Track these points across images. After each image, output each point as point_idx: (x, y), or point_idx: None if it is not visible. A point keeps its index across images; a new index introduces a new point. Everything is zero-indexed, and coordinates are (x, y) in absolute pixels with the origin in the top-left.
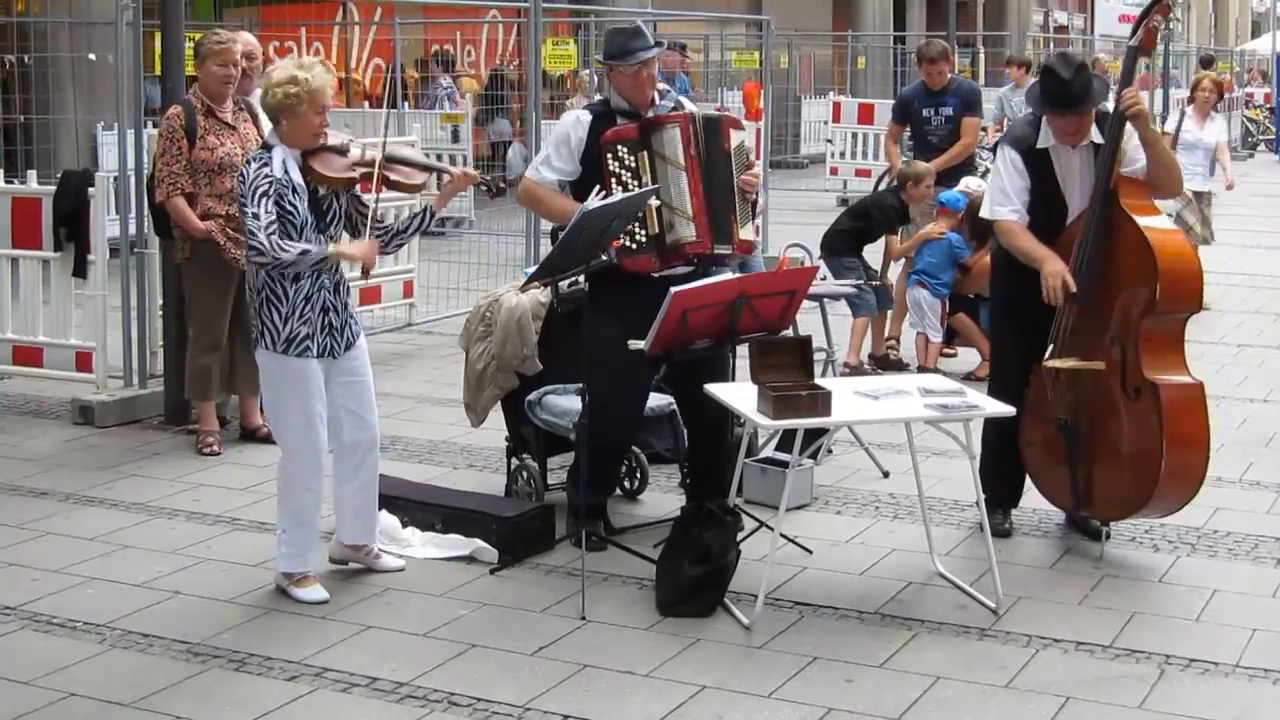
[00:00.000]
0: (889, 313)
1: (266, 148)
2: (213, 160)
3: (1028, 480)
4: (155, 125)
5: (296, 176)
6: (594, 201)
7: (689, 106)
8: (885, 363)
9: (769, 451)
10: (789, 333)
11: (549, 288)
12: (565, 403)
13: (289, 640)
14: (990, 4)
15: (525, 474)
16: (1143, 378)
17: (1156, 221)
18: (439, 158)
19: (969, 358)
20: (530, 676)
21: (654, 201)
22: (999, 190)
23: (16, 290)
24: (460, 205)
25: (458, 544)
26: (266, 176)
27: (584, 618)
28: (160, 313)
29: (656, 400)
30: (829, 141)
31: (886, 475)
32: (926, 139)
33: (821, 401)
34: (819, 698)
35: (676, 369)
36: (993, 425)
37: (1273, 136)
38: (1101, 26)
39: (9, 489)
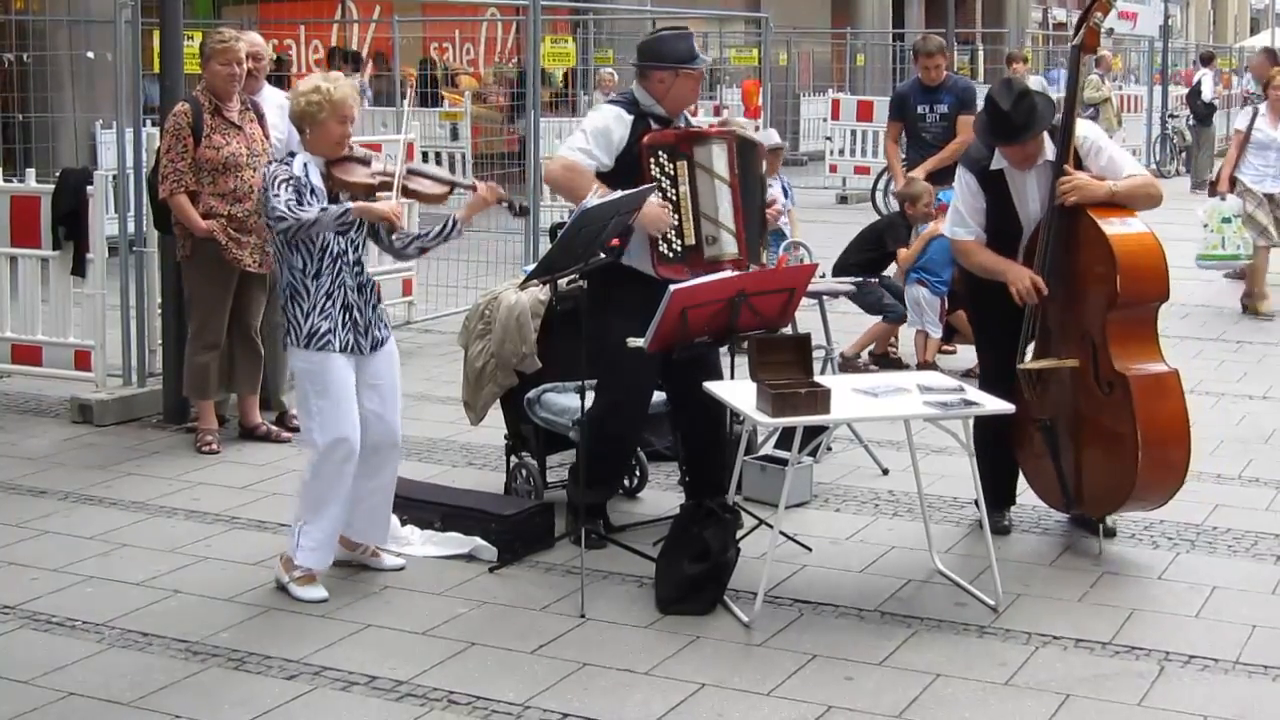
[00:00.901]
0: None
1: (291, 155)
2: (218, 159)
3: (1025, 481)
4: (154, 123)
5: (316, 180)
6: (592, 199)
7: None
8: (884, 362)
9: (768, 449)
10: (788, 330)
11: (548, 286)
12: (564, 400)
13: (288, 639)
14: (989, 1)
15: (524, 472)
16: (1114, 371)
17: (1119, 218)
18: (437, 156)
19: (968, 355)
20: (530, 674)
21: (679, 214)
22: (956, 212)
23: (15, 289)
24: (459, 204)
25: (457, 542)
26: (286, 173)
27: (583, 616)
28: (159, 311)
29: (655, 398)
30: (828, 139)
31: (886, 472)
32: (921, 136)
33: (821, 399)
34: (819, 695)
35: (667, 367)
36: (980, 427)
37: None
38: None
39: (8, 488)
